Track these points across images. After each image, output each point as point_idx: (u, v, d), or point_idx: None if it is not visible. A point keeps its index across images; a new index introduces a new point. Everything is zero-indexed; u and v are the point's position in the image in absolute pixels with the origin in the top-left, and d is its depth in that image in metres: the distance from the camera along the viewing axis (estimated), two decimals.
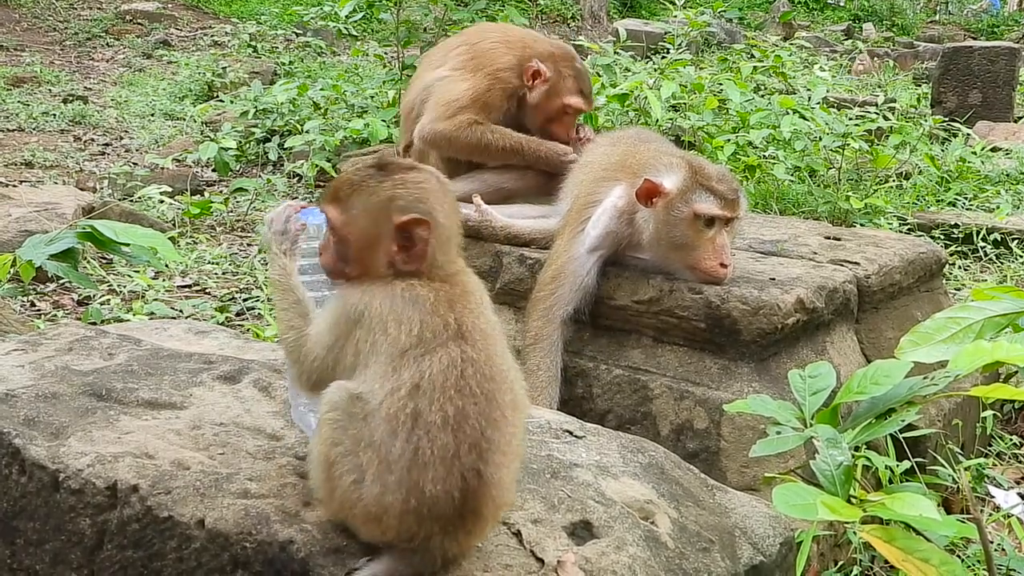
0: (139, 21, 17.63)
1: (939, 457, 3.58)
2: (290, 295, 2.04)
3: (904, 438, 3.35)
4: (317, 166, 7.83)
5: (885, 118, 8.72)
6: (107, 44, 16.26)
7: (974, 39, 21.95)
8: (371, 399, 1.81)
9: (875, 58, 17.56)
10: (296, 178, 8.23)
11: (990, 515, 3.45)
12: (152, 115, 11.27)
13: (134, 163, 8.83)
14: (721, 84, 8.81)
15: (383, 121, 8.43)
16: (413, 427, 1.78)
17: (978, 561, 3.13)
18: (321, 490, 1.90)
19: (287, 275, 2.07)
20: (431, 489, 1.78)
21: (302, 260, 2.19)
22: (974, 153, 8.92)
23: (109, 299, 5.35)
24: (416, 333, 1.83)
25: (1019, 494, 3.65)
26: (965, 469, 2.95)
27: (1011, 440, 4.20)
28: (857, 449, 2.92)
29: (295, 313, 2.01)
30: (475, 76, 4.03)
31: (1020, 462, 4.07)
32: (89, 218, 5.01)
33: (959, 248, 6.71)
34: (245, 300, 5.43)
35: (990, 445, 4.16)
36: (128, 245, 4.07)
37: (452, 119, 3.97)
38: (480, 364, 1.85)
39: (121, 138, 10.26)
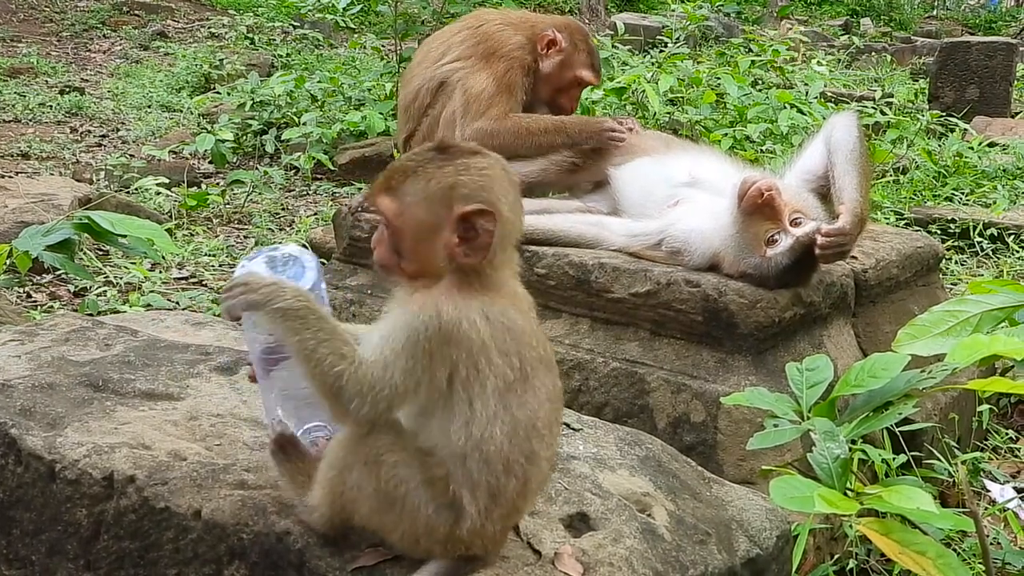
0: (136, 12, 17.58)
1: (935, 451, 3.59)
2: (324, 320, 1.76)
3: (900, 432, 3.35)
4: (314, 158, 7.82)
5: (883, 113, 8.75)
6: (104, 35, 16.21)
7: (971, 34, 21.96)
8: (479, 444, 1.73)
9: (872, 52, 17.56)
10: (293, 170, 8.23)
11: (986, 509, 3.46)
12: (149, 107, 11.25)
13: (131, 155, 8.81)
14: (719, 78, 8.82)
15: (380, 114, 8.43)
16: (527, 463, 1.78)
17: (974, 555, 3.13)
18: (369, 521, 1.82)
19: (308, 298, 1.79)
20: (525, 507, 1.88)
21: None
22: (971, 148, 8.91)
23: (105, 291, 5.34)
24: (519, 367, 1.74)
25: (1015, 488, 3.67)
26: (961, 463, 2.96)
27: (1007, 434, 4.21)
28: (854, 442, 2.92)
29: (339, 340, 1.74)
30: (490, 62, 4.01)
31: (1016, 456, 4.08)
32: (86, 209, 5.00)
33: (956, 243, 6.72)
34: None
35: (986, 439, 4.16)
36: (125, 236, 4.07)
37: (486, 114, 3.95)
38: (559, 389, 1.87)
39: (118, 130, 10.23)
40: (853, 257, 3.73)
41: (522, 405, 1.75)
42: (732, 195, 3.30)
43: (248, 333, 2.06)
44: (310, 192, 8.00)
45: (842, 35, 20.15)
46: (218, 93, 10.96)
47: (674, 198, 3.61)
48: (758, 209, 3.22)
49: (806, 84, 9.76)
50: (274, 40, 15.46)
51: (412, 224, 1.75)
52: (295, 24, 15.67)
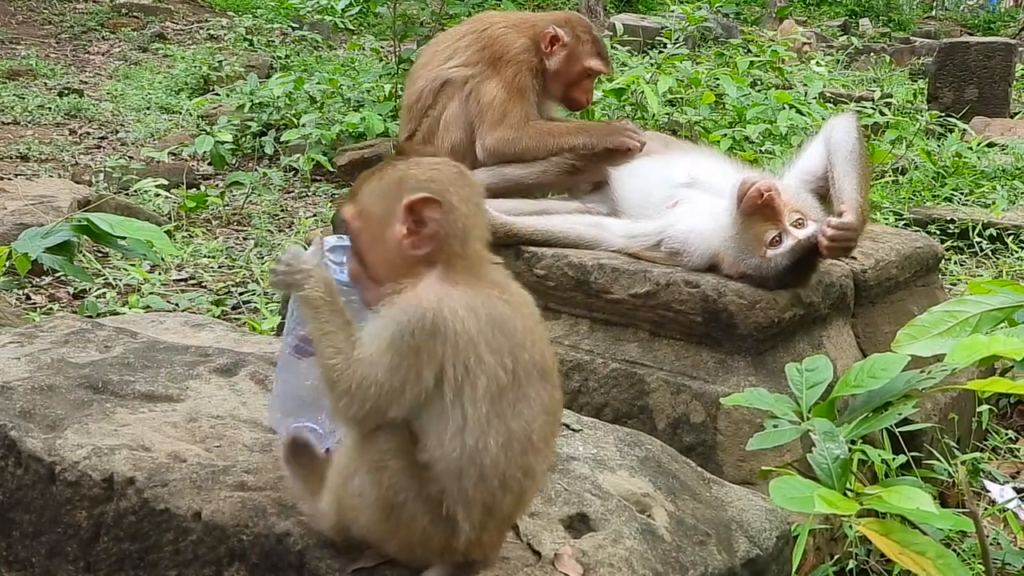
0: (135, 14, 17.57)
1: (935, 451, 3.59)
2: (337, 315, 1.78)
3: (900, 432, 3.36)
4: (313, 160, 7.82)
5: (882, 113, 8.75)
6: (103, 37, 16.21)
7: (970, 35, 21.98)
8: (473, 456, 1.70)
9: (871, 53, 17.59)
10: (292, 172, 8.23)
11: (985, 509, 3.46)
12: (148, 108, 11.24)
13: (130, 156, 8.81)
14: (718, 79, 8.82)
15: (379, 115, 8.42)
16: (524, 477, 1.76)
17: (973, 555, 3.13)
18: (369, 530, 1.80)
19: (331, 292, 1.81)
20: (517, 515, 1.86)
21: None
22: (970, 148, 8.92)
23: (105, 292, 5.34)
24: (511, 369, 1.71)
25: (1014, 488, 3.67)
26: (961, 463, 2.96)
27: (1006, 435, 4.21)
28: (853, 443, 2.92)
29: (344, 335, 1.75)
30: (498, 68, 4.01)
31: (1016, 456, 4.08)
32: (85, 211, 5.00)
33: (955, 243, 6.72)
34: (241, 294, 5.43)
35: (986, 440, 4.16)
36: (124, 238, 4.07)
37: (505, 121, 3.94)
38: (558, 401, 1.84)
39: (117, 131, 10.23)
40: (852, 257, 3.73)
41: (517, 415, 1.72)
42: (731, 196, 3.30)
43: (290, 317, 2.13)
44: (309, 193, 8.00)
45: (841, 36, 20.16)
46: (217, 95, 10.95)
47: (673, 199, 3.61)
48: (758, 210, 3.22)
49: (805, 85, 9.77)
50: (273, 42, 15.45)
51: (367, 222, 1.79)
52: (294, 26, 15.65)
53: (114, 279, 5.57)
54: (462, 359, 1.68)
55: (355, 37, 13.10)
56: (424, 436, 1.74)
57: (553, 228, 3.71)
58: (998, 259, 6.52)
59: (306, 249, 2.03)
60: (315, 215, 7.20)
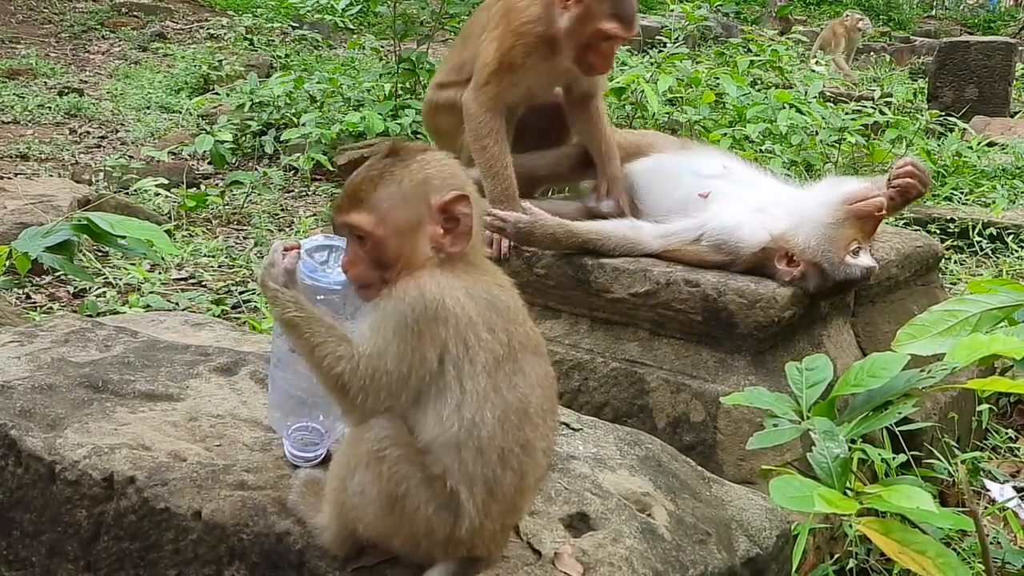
0: (135, 13, 17.56)
1: (935, 451, 3.59)
2: (318, 324, 1.80)
3: (900, 431, 3.36)
4: (313, 159, 7.82)
5: (881, 112, 8.73)
6: (103, 36, 16.19)
7: (970, 34, 21.98)
8: (471, 429, 1.72)
9: (871, 52, 17.59)
10: (292, 171, 8.22)
11: (985, 508, 3.46)
12: (148, 108, 11.23)
13: (130, 156, 8.80)
14: (718, 78, 8.81)
15: (379, 114, 8.41)
16: (523, 452, 1.77)
17: (973, 554, 3.13)
18: (374, 528, 1.80)
19: (301, 306, 1.84)
20: (524, 505, 1.86)
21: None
22: (970, 148, 8.92)
23: (105, 292, 5.34)
24: (507, 343, 1.76)
25: (1014, 487, 3.67)
26: (961, 462, 2.96)
27: (1006, 434, 4.21)
28: (853, 442, 2.92)
29: (335, 340, 1.77)
30: (501, 35, 3.75)
31: (1015, 456, 4.08)
32: (85, 211, 5.01)
33: (955, 243, 6.72)
34: (241, 293, 5.43)
35: (986, 439, 4.16)
36: (124, 238, 4.06)
37: (482, 90, 3.75)
38: (551, 376, 1.87)
39: (117, 131, 10.22)
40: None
41: (512, 387, 1.76)
42: (836, 193, 3.34)
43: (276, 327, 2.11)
44: (309, 193, 8.00)
45: None
46: (217, 94, 10.95)
47: (704, 189, 3.56)
48: (864, 217, 3.28)
49: (805, 84, 9.77)
50: (273, 41, 15.45)
51: (394, 229, 1.78)
52: (294, 25, 15.66)
53: (114, 278, 5.57)
54: (462, 338, 1.72)
55: (355, 36, 13.07)
56: (423, 419, 1.76)
57: (605, 230, 3.58)
58: (998, 258, 6.52)
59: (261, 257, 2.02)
60: (315, 214, 7.19)
